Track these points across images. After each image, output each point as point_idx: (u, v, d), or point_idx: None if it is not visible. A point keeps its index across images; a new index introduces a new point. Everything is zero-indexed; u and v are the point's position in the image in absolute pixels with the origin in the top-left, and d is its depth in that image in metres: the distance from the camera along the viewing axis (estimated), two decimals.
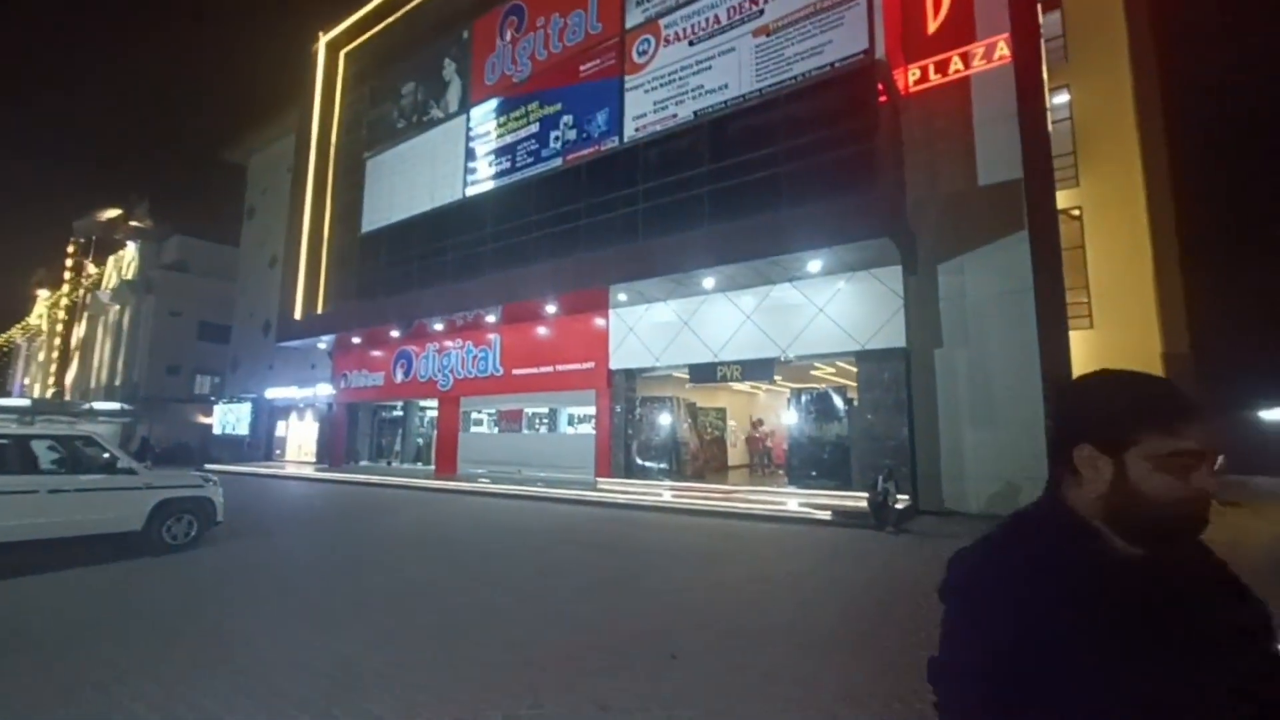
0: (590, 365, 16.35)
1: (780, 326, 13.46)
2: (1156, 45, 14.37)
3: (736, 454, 19.82)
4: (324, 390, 24.92)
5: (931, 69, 12.42)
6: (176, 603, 5.74)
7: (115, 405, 36.23)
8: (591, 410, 16.84)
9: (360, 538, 9.31)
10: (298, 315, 23.38)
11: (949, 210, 12.12)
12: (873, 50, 11.56)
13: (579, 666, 4.09)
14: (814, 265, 12.48)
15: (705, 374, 14.70)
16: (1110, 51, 14.27)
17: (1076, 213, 14.36)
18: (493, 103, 18.50)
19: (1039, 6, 12.14)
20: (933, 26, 12.43)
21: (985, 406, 11.52)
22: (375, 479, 18.49)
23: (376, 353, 22.29)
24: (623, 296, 15.34)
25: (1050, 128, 12.14)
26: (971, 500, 11.42)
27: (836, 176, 11.73)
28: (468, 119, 19.12)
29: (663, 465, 15.59)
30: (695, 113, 13.94)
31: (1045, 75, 12.36)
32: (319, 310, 23.11)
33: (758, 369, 14.03)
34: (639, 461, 15.82)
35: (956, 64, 12.20)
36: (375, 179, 22.00)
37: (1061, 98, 14.50)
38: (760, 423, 19.17)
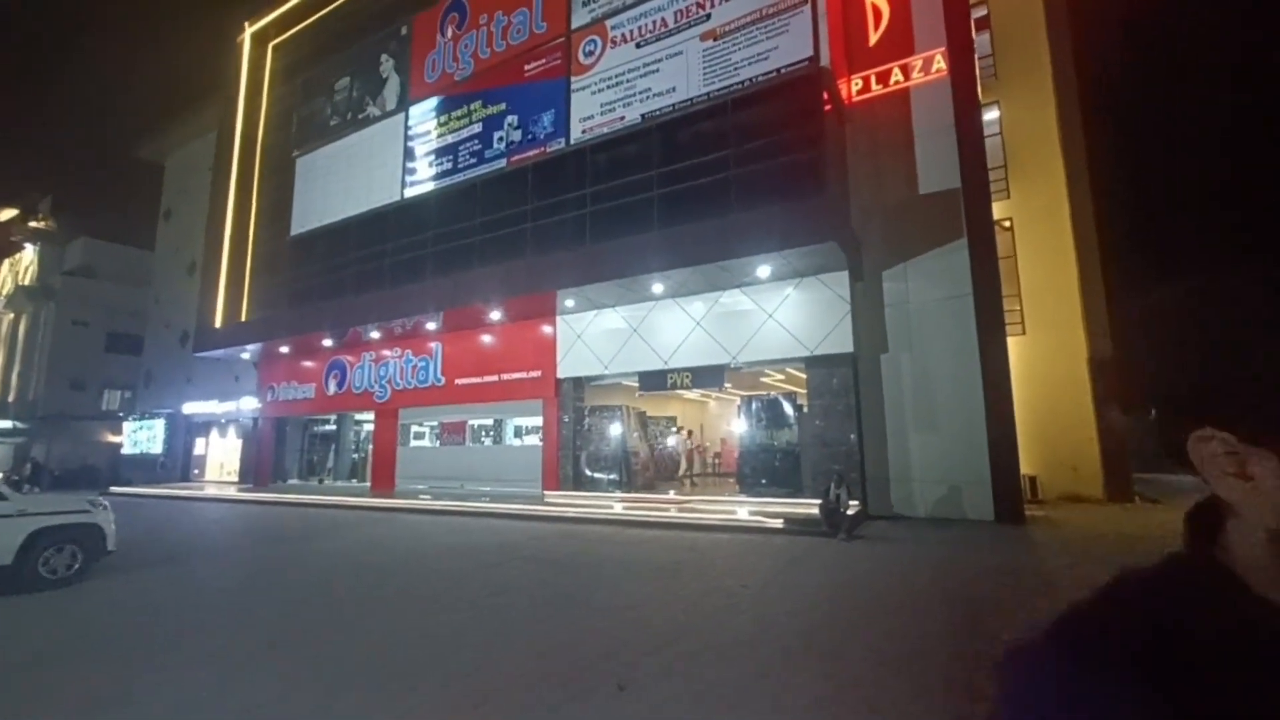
0: (537, 374, 15.80)
1: (730, 333, 13.35)
2: (1078, 66, 15.24)
3: (691, 464, 19.62)
4: (248, 404, 23.21)
5: (873, 79, 12.69)
6: (45, 649, 4.91)
7: (5, 424, 32.72)
8: (538, 421, 16.27)
9: (283, 564, 8.46)
10: (219, 323, 21.72)
11: (892, 218, 12.35)
12: (817, 58, 11.69)
13: (533, 698, 3.64)
14: (763, 271, 12.44)
15: (656, 382, 14.42)
16: (1035, 71, 15.03)
17: (1008, 224, 14.98)
18: (433, 101, 17.78)
19: (972, 25, 12.61)
20: (874, 38, 12.72)
21: (929, 411, 11.72)
22: (306, 499, 17.24)
23: (307, 363, 20.93)
24: (570, 302, 14.92)
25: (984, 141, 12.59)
26: (919, 504, 11.56)
27: (784, 182, 11.74)
28: (406, 117, 18.31)
29: (613, 476, 15.18)
30: (643, 115, 13.75)
31: (979, 91, 12.82)
32: (243, 318, 21.53)
33: (708, 376, 13.87)
34: (588, 473, 15.35)
35: (897, 75, 12.50)
36: (306, 179, 20.77)
37: (992, 113, 15.13)
38: (690, 434, 19.12)
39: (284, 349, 20.49)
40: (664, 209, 13.26)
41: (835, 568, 7.45)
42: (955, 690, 3.73)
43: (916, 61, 12.35)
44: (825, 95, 11.52)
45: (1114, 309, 14.41)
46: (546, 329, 15.82)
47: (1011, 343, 12.75)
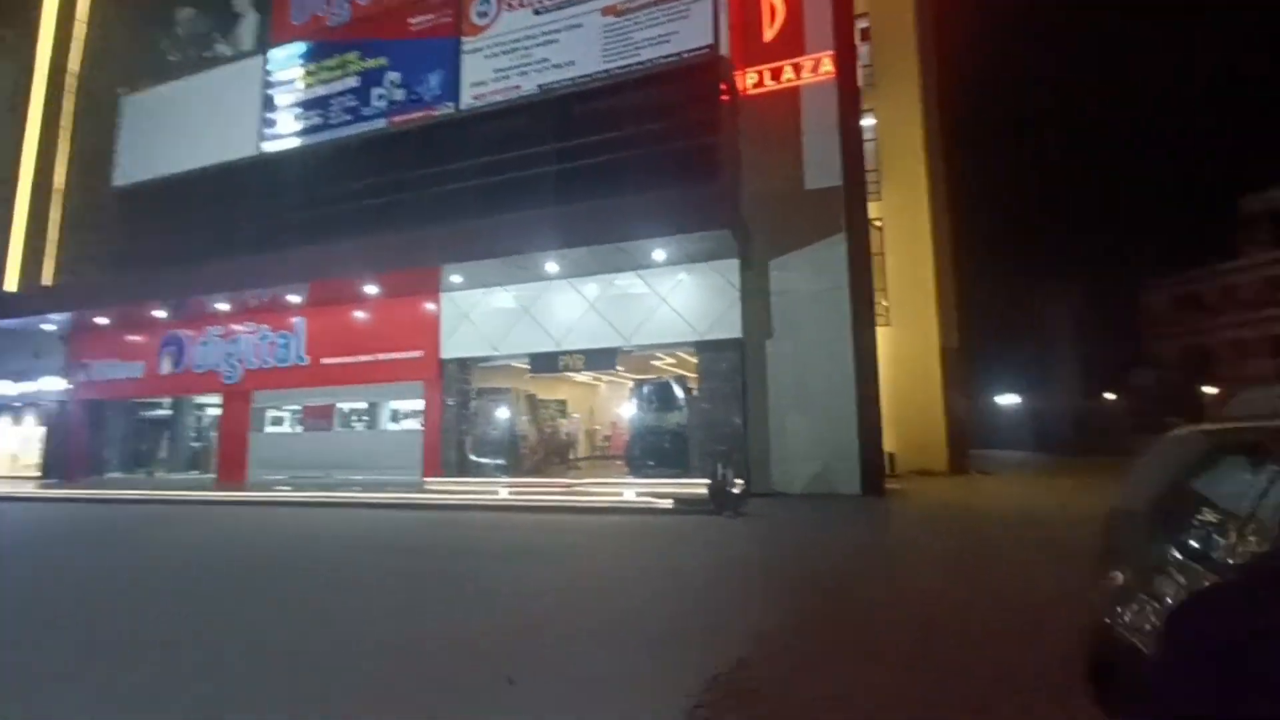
0: (418, 354, 14.74)
1: (623, 316, 13.28)
2: (943, 83, 16.86)
3: (581, 447, 19.41)
4: (53, 384, 19.50)
5: (767, 75, 13.11)
6: None
7: None
8: (419, 404, 15.22)
9: (87, 574, 7.10)
10: (13, 286, 17.99)
11: (780, 210, 12.88)
12: (717, 46, 11.84)
13: (396, 709, 3.24)
14: (658, 254, 12.47)
15: (547, 364, 14.03)
16: (906, 84, 16.43)
17: (879, 223, 16.29)
18: (300, 46, 15.86)
19: (856, 33, 13.43)
20: (769, 34, 13.13)
21: (806, 394, 12.43)
22: (131, 494, 14.80)
23: (134, 337, 17.94)
24: (457, 279, 14.04)
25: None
26: (796, 482, 12.24)
27: (680, 167, 11.82)
28: (265, 61, 16.18)
29: (500, 461, 14.59)
30: (540, 86, 13.20)
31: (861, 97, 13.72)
32: (46, 281, 18.00)
33: (601, 359, 13.73)
34: (473, 458, 14.63)
35: (789, 74, 13.01)
36: (135, 122, 17.73)
37: (869, 120, 16.32)
38: (581, 417, 19.11)
39: (103, 319, 17.40)
40: (559, 186, 12.85)
41: (721, 544, 7.63)
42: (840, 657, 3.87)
43: (807, 62, 12.94)
44: (723, 85, 11.72)
45: (963, 306, 16.24)
46: (429, 306, 14.78)
47: (878, 334, 13.89)
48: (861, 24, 15.67)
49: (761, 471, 12.43)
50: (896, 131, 16.46)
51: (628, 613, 4.78)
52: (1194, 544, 1.77)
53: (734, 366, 12.61)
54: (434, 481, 13.83)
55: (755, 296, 12.84)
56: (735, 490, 10.26)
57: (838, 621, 4.46)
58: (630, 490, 11.78)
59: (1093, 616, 2.14)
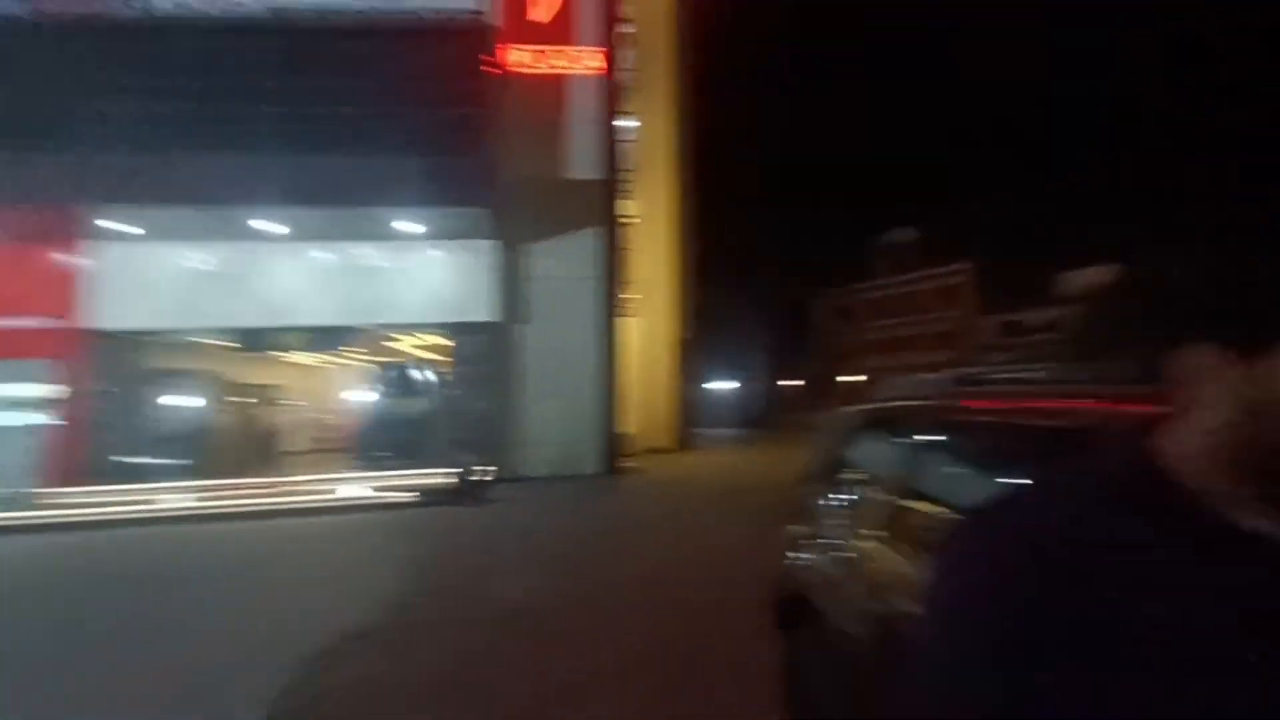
0: (47, 322, 10.93)
1: (361, 291, 11.82)
2: (697, 100, 18.71)
3: (299, 440, 16.73)
4: None
5: (536, 57, 12.88)
6: None
7: None
8: (44, 389, 11.26)
9: None
10: None
11: (541, 196, 12.83)
12: (485, 13, 11.19)
13: None
14: (405, 226, 11.39)
15: (259, 341, 11.75)
16: (662, 93, 17.88)
17: (633, 220, 17.48)
18: None
19: (622, 34, 14.05)
20: (539, 14, 12.88)
21: (555, 379, 12.75)
22: None
23: None
24: (120, 227, 10.78)
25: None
26: (542, 465, 12.47)
27: (437, 134, 10.95)
28: None
29: (183, 461, 11.74)
30: (272, 9, 10.79)
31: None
32: None
33: (331, 337, 12.03)
34: (136, 459, 11.43)
35: (558, 60, 12.98)
36: None
37: (629, 121, 17.32)
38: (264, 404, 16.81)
39: None
40: (286, 131, 10.76)
41: (464, 534, 7.36)
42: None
43: (576, 53, 13.08)
44: (489, 55, 11.14)
45: (702, 303, 18.55)
46: (68, 259, 11.05)
47: (624, 324, 14.95)
48: (627, 29, 16.48)
49: (510, 456, 12.37)
50: (652, 136, 17.79)
51: (349, 623, 4.24)
52: (849, 501, 2.23)
53: (485, 350, 12.25)
54: (71, 493, 10.30)
55: (511, 280, 12.63)
56: (481, 478, 10.00)
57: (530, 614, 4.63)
58: (358, 485, 10.59)
59: (782, 561, 2.57)
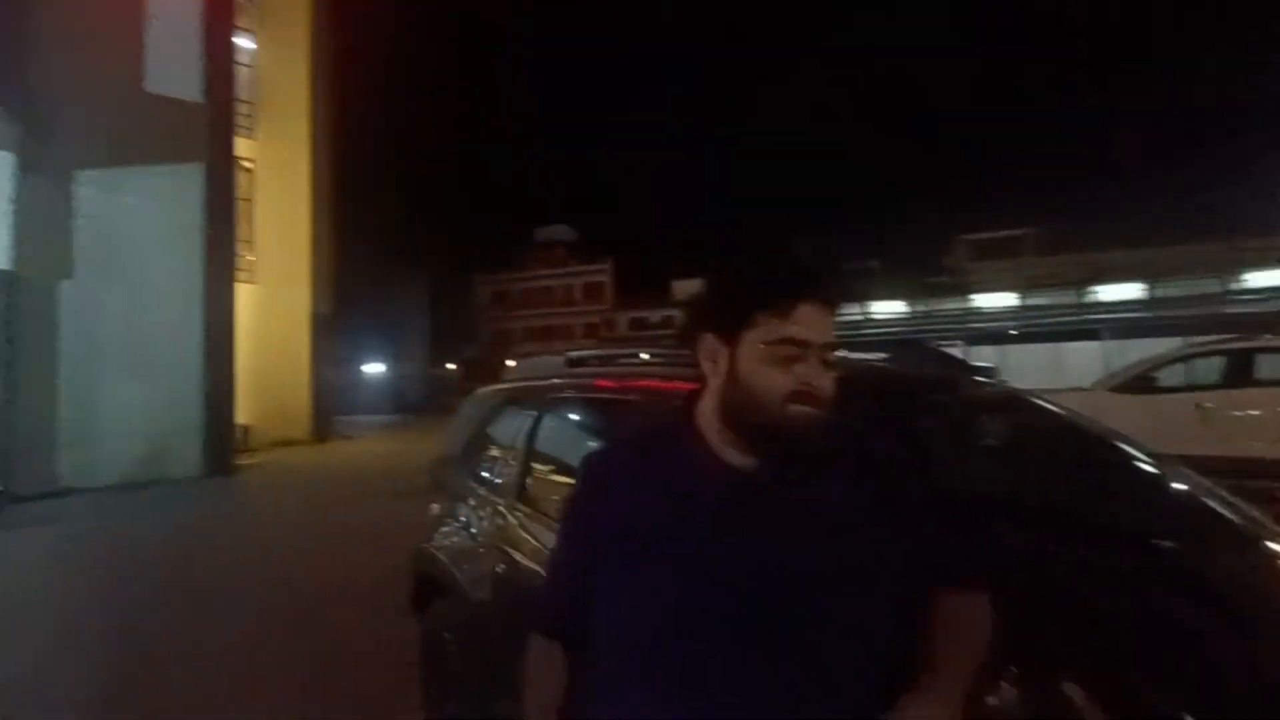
0: None
1: None
2: (337, 24, 15.95)
3: None
4: None
5: None
6: None
7: None
8: None
9: None
10: None
11: (105, 108, 9.37)
12: None
13: None
14: None
15: None
16: (294, 17, 14.94)
17: (249, 164, 14.27)
18: None
19: None
20: None
21: (136, 355, 9.67)
22: None
23: None
24: None
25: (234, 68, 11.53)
26: (108, 469, 9.29)
27: None
28: None
29: None
30: None
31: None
32: None
33: None
34: None
35: None
36: None
37: (247, 42, 14.02)
38: None
39: None
40: None
41: None
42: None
43: None
44: None
45: (340, 276, 16.26)
46: None
47: (240, 290, 12.22)
48: None
49: (42, 462, 8.87)
50: (280, 65, 14.83)
51: None
52: (485, 475, 2.33)
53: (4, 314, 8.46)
54: None
55: (47, 217, 8.99)
56: None
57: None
58: None
59: (418, 541, 2.52)
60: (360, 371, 34.46)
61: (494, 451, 2.35)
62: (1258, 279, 13.88)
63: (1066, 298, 15.13)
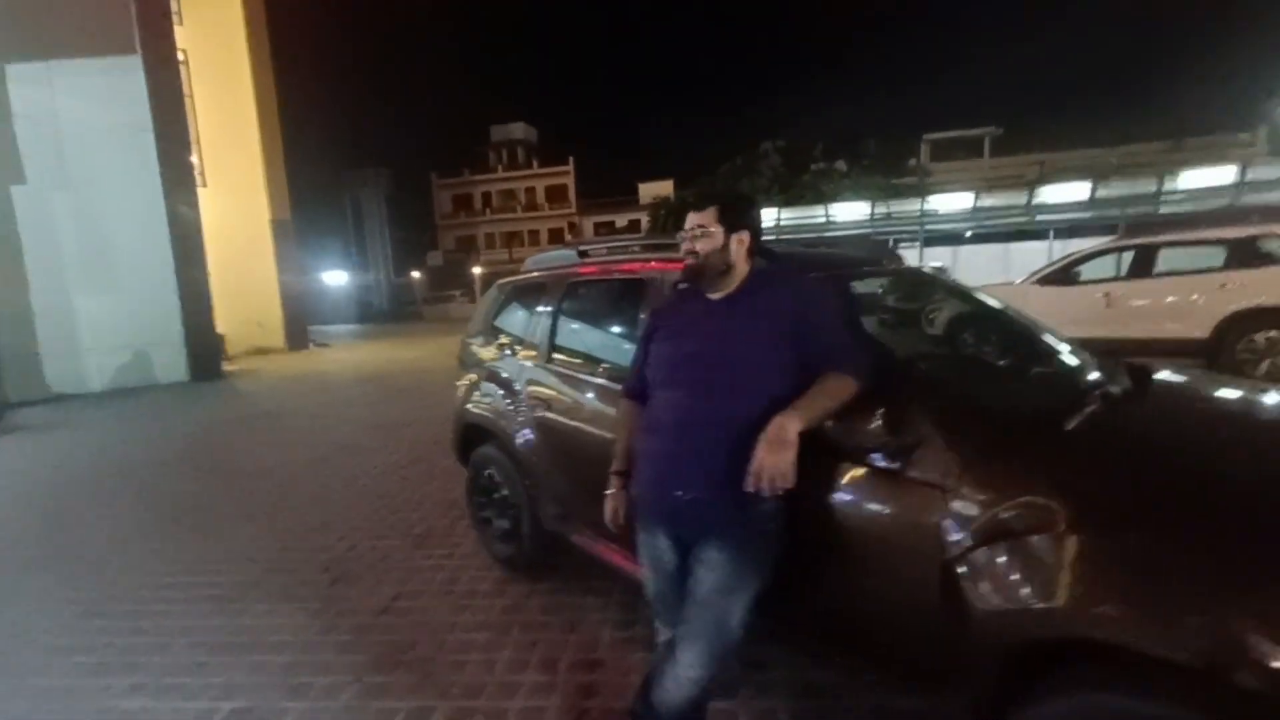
0: None
1: None
2: None
3: None
4: None
5: None
6: None
7: None
8: None
9: None
10: None
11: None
12: None
13: None
14: None
15: None
16: None
17: (181, 55, 13.19)
18: None
19: None
20: None
21: (104, 262, 9.59)
22: None
23: None
24: None
25: None
26: (94, 377, 9.54)
27: None
28: None
29: None
30: None
31: None
32: None
33: None
34: None
35: None
36: None
37: None
38: None
39: None
40: None
41: None
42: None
43: None
44: None
45: (293, 181, 15.63)
46: None
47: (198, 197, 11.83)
48: None
49: (29, 371, 9.03)
50: None
51: None
52: (516, 346, 2.88)
53: None
54: None
55: None
56: None
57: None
58: None
59: (456, 405, 3.10)
60: (322, 281, 33.64)
61: (521, 328, 2.88)
62: (1191, 179, 14.70)
63: (1017, 198, 15.82)
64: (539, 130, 46.29)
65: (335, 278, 34.96)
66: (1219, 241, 6.29)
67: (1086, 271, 7.16)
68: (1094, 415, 1.55)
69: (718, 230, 1.49)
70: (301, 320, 15.99)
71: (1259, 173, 14.17)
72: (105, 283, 9.59)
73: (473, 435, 3.00)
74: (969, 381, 1.81)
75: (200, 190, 13.33)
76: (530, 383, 2.65)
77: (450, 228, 44.85)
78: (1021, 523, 1.20)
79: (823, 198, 18.82)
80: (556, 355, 2.59)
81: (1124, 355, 2.09)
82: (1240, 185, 13.79)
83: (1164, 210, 14.78)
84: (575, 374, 2.44)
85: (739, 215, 1.52)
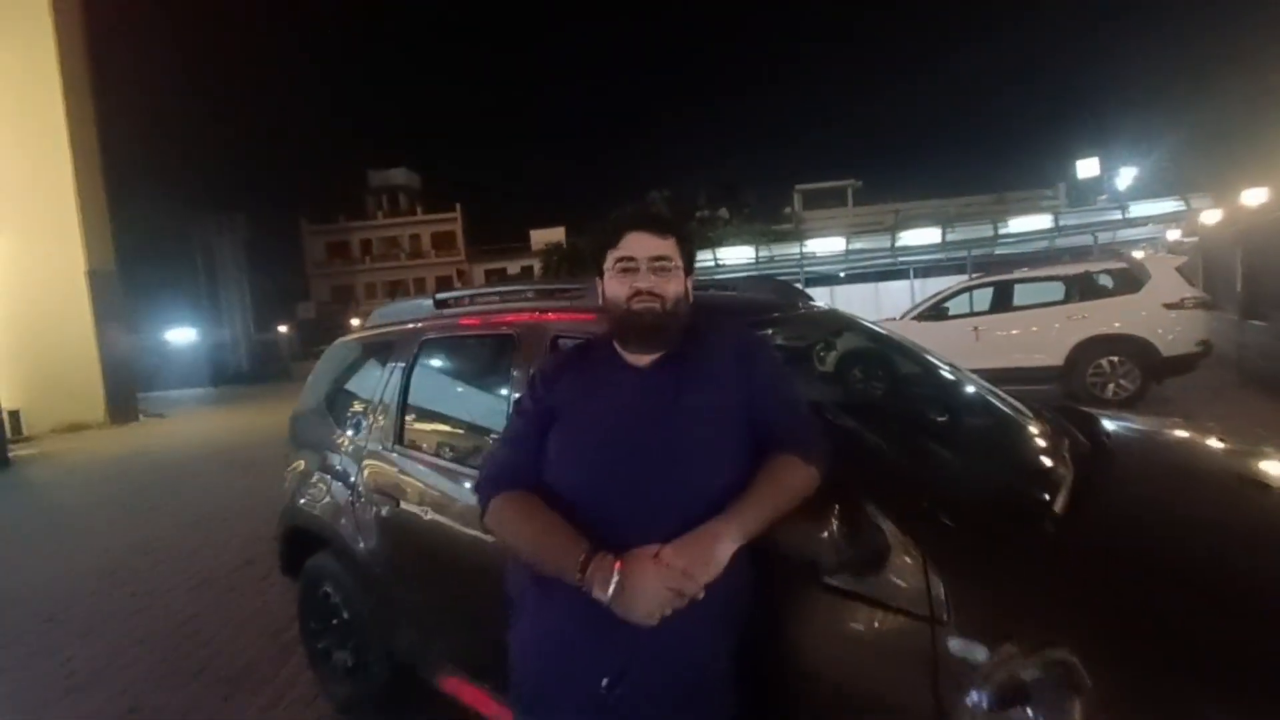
0: None
1: None
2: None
3: None
4: None
5: None
6: None
7: None
8: None
9: None
10: None
11: None
12: None
13: None
14: None
15: None
16: None
17: None
18: None
19: None
20: None
21: None
22: None
23: None
24: None
25: None
26: None
27: None
28: None
29: None
30: None
31: None
32: None
33: None
34: None
35: None
36: None
37: None
38: None
39: None
40: None
41: None
42: None
43: None
44: None
45: (118, 230, 13.50)
46: None
47: None
48: None
49: None
50: None
51: None
52: (356, 423, 2.24)
53: None
54: None
55: None
56: None
57: None
58: None
59: (283, 501, 2.38)
60: (164, 340, 29.49)
61: (363, 399, 2.27)
62: (1017, 225, 16.80)
63: (881, 241, 17.22)
64: (422, 176, 44.82)
65: (182, 335, 30.88)
66: (1062, 278, 6.95)
67: (953, 307, 7.66)
68: (1080, 496, 1.24)
69: (679, 268, 1.07)
70: (129, 387, 13.62)
71: (1066, 220, 16.46)
72: None
73: (304, 540, 2.29)
74: (921, 454, 1.45)
75: None
76: (374, 471, 2.03)
77: (324, 276, 41.64)
78: (1052, 683, 0.84)
79: (708, 243, 19.45)
80: (409, 434, 2.01)
81: (1000, 386, 1.93)
82: (1055, 230, 15.90)
83: (999, 251, 16.74)
84: (433, 458, 1.87)
85: (690, 252, 1.11)
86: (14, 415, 10.91)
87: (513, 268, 38.34)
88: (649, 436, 1.01)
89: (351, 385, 2.41)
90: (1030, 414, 1.73)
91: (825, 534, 0.99)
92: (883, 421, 1.53)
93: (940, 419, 1.69)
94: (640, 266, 1.03)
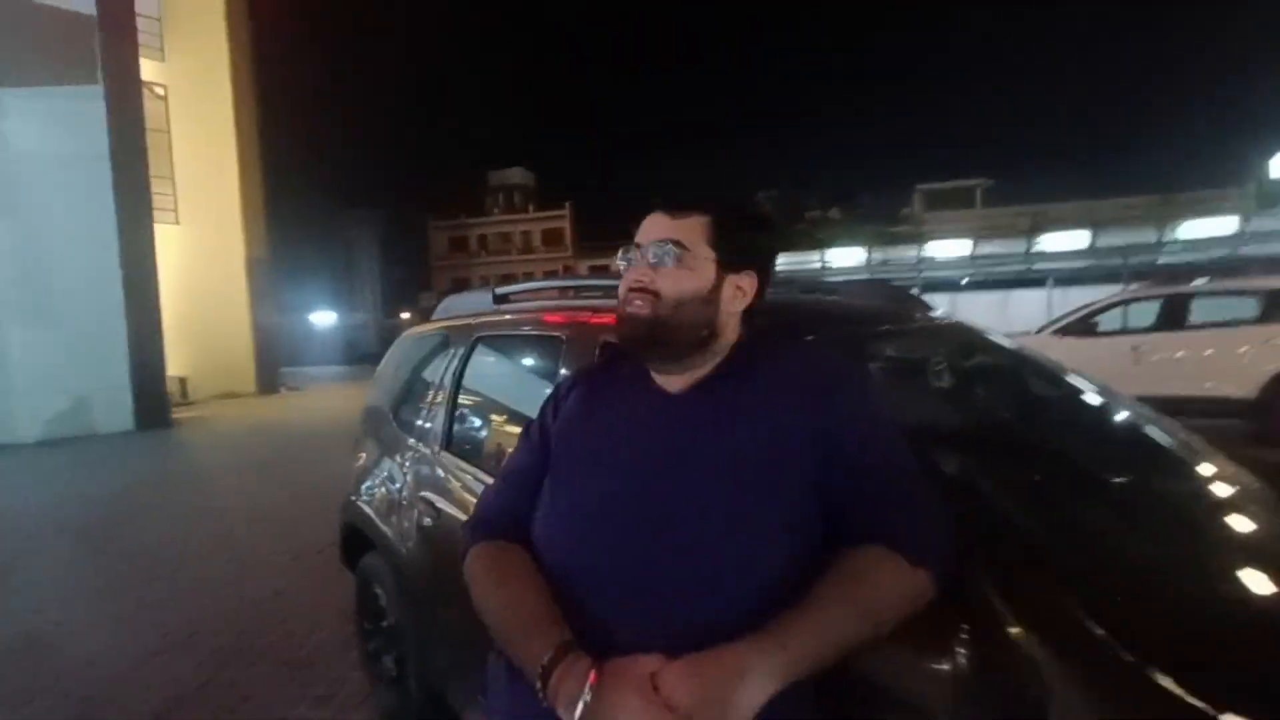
0: None
1: None
2: None
3: None
4: None
5: None
6: None
7: None
8: None
9: None
10: None
11: None
12: None
13: None
14: None
15: None
16: None
17: (161, 90, 12.93)
18: None
19: None
20: None
21: (44, 300, 8.90)
22: None
23: None
24: None
25: None
26: (23, 425, 8.69)
27: None
28: None
29: None
30: None
31: None
32: None
33: None
34: None
35: None
36: None
37: None
38: None
39: None
40: None
41: None
42: None
43: None
44: None
45: (272, 219, 15.16)
46: None
47: (163, 231, 11.28)
48: None
49: None
50: None
51: None
52: (412, 421, 2.14)
53: None
54: None
55: None
56: None
57: None
58: None
59: (350, 489, 2.35)
60: (308, 321, 33.04)
61: (417, 397, 2.16)
62: (1189, 230, 14.41)
63: (1014, 246, 15.46)
64: (537, 175, 46.78)
65: (323, 318, 34.39)
66: (1260, 292, 5.69)
67: (1105, 322, 6.58)
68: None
69: (704, 259, 0.78)
70: (275, 363, 15.25)
71: (1257, 225, 13.93)
72: (44, 320, 8.87)
73: (358, 539, 2.24)
74: (1096, 540, 0.96)
75: (173, 227, 12.88)
76: (420, 476, 1.91)
77: (445, 268, 44.69)
78: None
79: (818, 245, 18.49)
80: (456, 439, 1.87)
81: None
82: (1242, 236, 13.48)
83: (1163, 260, 14.45)
84: (475, 468, 1.70)
85: (747, 241, 0.81)
86: (182, 381, 12.57)
87: (615, 263, 38.94)
88: (660, 486, 0.73)
89: (409, 381, 2.33)
90: (1261, 482, 1.23)
91: (944, 668, 0.66)
92: (1037, 487, 1.08)
93: (1119, 480, 1.23)
94: (644, 255, 0.80)
